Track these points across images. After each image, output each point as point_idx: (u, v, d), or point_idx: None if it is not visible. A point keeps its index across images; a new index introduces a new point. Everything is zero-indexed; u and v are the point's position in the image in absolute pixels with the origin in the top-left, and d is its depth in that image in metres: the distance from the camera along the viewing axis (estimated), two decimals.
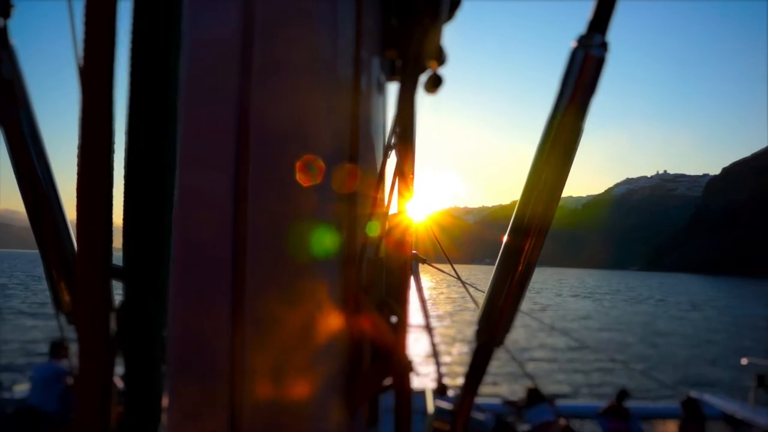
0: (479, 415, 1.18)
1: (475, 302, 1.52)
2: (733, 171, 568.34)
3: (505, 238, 1.05)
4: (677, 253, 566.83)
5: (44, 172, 1.14)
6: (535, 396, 8.16)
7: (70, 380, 7.53)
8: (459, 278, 1.68)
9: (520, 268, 1.03)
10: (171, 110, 0.53)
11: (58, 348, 7.98)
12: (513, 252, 1.03)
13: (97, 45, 0.50)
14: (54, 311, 1.14)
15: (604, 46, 0.94)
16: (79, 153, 0.51)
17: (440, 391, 7.26)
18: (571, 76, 0.95)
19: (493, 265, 1.07)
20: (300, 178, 0.85)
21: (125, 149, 0.52)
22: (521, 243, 1.02)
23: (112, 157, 0.51)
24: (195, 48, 0.86)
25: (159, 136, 0.52)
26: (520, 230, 1.01)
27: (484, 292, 1.10)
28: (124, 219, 0.53)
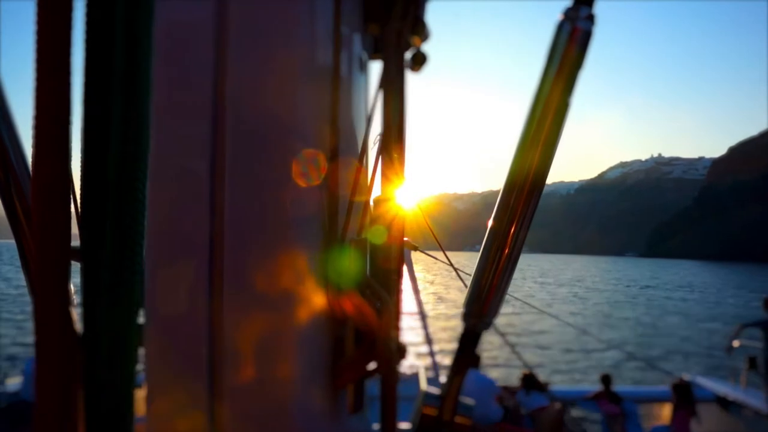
0: (467, 400, 1.16)
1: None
2: (740, 150, 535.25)
3: (491, 220, 1.03)
4: (680, 237, 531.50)
5: (17, 155, 1.11)
6: (530, 382, 8.18)
7: None
8: (452, 265, 1.67)
9: (506, 250, 1.01)
10: (118, 91, 0.51)
11: None
12: (499, 234, 1.01)
13: (51, 27, 0.48)
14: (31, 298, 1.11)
15: (591, 18, 0.91)
16: (33, 131, 0.49)
17: (435, 378, 7.27)
18: (558, 50, 0.92)
19: None
20: (279, 160, 0.82)
21: (81, 126, 0.50)
22: (507, 225, 1.00)
23: (69, 134, 0.50)
24: (168, 27, 0.83)
25: (109, 117, 0.50)
26: (506, 212, 0.99)
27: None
28: (81, 196, 0.51)
